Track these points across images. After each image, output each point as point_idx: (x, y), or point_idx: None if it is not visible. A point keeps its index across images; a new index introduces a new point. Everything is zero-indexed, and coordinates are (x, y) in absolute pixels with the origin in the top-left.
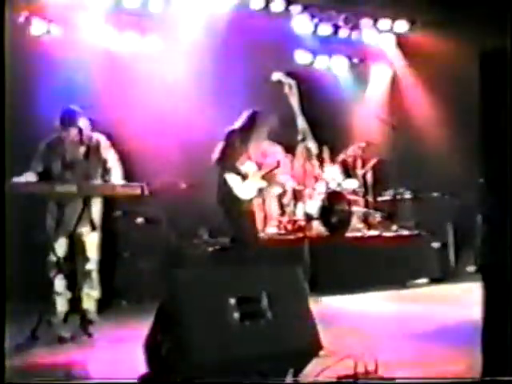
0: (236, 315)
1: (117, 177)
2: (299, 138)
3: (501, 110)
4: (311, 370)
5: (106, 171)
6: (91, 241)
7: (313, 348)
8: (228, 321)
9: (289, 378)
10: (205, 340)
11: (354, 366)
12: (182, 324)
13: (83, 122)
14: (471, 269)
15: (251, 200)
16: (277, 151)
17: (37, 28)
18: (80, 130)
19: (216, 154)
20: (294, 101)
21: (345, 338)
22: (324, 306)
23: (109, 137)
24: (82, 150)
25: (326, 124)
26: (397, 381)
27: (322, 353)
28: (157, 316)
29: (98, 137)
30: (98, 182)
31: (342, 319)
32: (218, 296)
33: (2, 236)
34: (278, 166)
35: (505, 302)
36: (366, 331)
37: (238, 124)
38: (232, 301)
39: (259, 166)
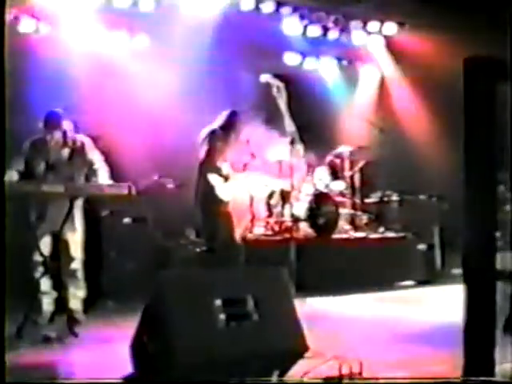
0: (222, 316)
1: (103, 177)
2: (287, 139)
3: (487, 113)
4: (297, 371)
5: (91, 172)
6: (76, 240)
7: (298, 349)
8: (214, 322)
9: (274, 379)
10: (191, 341)
11: (339, 367)
12: (168, 324)
13: (67, 125)
14: (457, 271)
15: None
16: (264, 152)
17: (25, 26)
18: (64, 133)
19: (200, 155)
20: (282, 103)
21: (330, 339)
22: (310, 308)
23: (94, 137)
24: (66, 151)
25: (314, 126)
26: (381, 382)
27: (307, 354)
28: (143, 316)
29: (82, 139)
30: (83, 182)
31: (328, 320)
32: (204, 297)
33: (2, 235)
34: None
35: (487, 303)
36: (351, 333)
37: (216, 123)
38: (218, 302)
39: (240, 167)
